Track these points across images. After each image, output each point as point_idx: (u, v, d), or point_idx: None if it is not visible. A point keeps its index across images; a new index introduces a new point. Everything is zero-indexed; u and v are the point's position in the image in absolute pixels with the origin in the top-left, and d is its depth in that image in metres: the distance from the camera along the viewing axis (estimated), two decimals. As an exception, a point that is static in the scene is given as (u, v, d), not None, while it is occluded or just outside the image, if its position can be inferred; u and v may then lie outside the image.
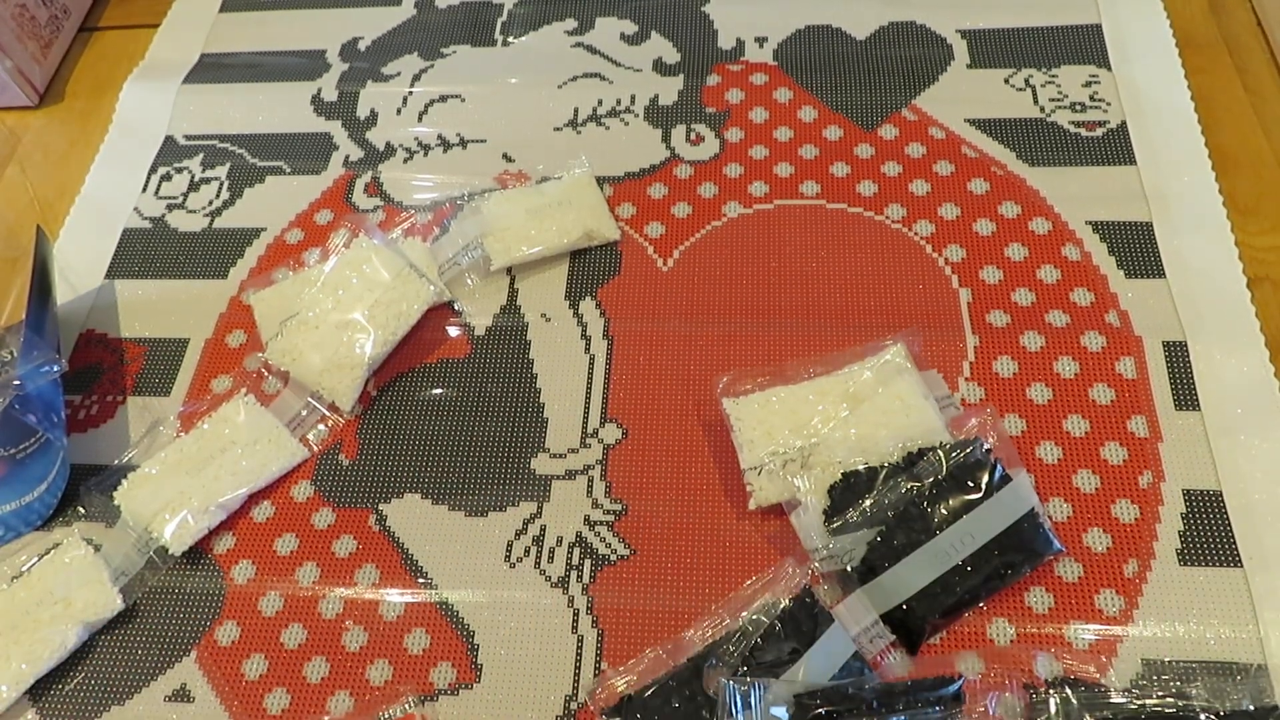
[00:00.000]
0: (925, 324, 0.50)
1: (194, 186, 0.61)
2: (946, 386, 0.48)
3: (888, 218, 0.54)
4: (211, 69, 0.67)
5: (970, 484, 0.42)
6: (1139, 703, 0.38)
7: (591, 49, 0.64)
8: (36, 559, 0.47)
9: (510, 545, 0.46)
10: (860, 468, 0.43)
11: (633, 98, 0.61)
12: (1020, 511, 0.41)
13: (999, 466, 0.42)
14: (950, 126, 0.57)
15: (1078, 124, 0.56)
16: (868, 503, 0.42)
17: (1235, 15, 0.61)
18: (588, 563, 0.45)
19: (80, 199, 0.61)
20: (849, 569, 0.41)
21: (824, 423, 0.45)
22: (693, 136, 0.59)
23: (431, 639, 0.44)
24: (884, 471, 0.43)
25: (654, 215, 0.56)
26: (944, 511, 0.41)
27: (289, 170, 0.61)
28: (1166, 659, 0.40)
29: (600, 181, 0.57)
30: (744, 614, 0.41)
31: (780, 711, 0.37)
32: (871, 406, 0.45)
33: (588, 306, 0.53)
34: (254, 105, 0.64)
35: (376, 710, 0.42)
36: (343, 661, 0.44)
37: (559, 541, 0.46)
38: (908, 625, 0.41)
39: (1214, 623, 0.41)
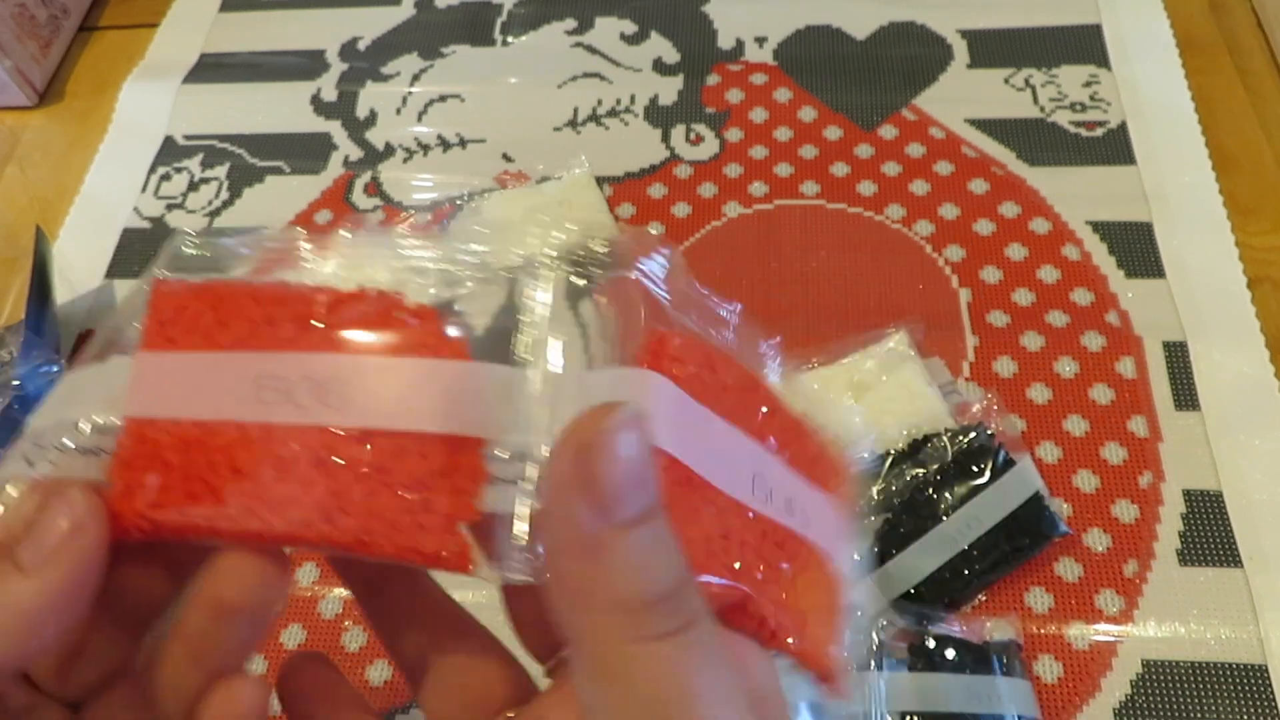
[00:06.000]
0: (925, 324, 0.50)
1: (193, 186, 0.61)
2: (949, 373, 0.48)
3: (888, 218, 0.54)
4: (211, 69, 0.67)
5: (975, 469, 0.42)
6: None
7: (591, 49, 0.64)
8: (36, 559, 0.47)
9: (510, 545, 0.46)
10: (866, 455, 0.44)
11: (632, 98, 0.61)
12: (1025, 495, 0.42)
13: (1003, 451, 0.42)
14: (950, 126, 0.57)
15: (1078, 124, 0.56)
16: (874, 490, 0.42)
17: (1235, 15, 0.61)
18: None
19: (80, 199, 0.61)
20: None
21: (830, 411, 0.45)
22: (692, 136, 0.59)
23: (431, 639, 0.44)
24: (890, 459, 0.43)
25: (654, 215, 0.56)
26: (950, 497, 0.42)
27: (288, 170, 0.61)
28: (1167, 659, 0.40)
29: (600, 181, 0.57)
30: None
31: None
32: (876, 395, 0.45)
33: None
34: (253, 105, 0.64)
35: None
36: (342, 661, 0.44)
37: (558, 541, 0.46)
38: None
39: (1214, 623, 0.41)
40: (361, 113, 0.63)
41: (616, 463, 0.15)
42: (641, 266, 0.23)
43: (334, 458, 0.20)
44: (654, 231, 0.22)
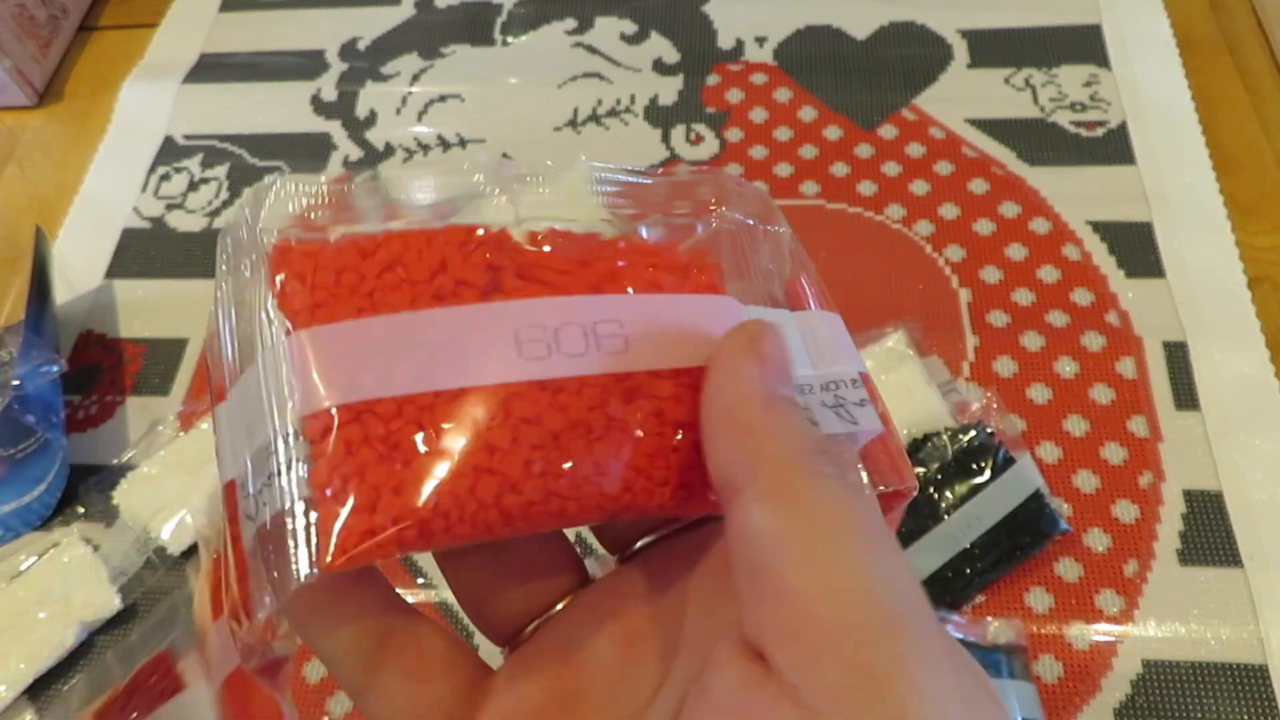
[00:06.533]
0: (926, 324, 0.50)
1: (193, 186, 0.61)
2: (948, 372, 0.48)
3: (888, 218, 0.54)
4: (211, 69, 0.67)
5: (976, 467, 0.42)
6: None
7: (591, 49, 0.64)
8: (35, 558, 0.47)
9: (510, 545, 0.46)
10: None
11: (632, 97, 0.61)
12: (1026, 493, 0.42)
13: (1003, 449, 0.42)
14: (950, 126, 0.57)
15: (1078, 124, 0.56)
16: None
17: (1235, 15, 0.61)
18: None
19: (79, 199, 0.61)
20: None
21: (830, 412, 0.45)
22: (692, 136, 0.59)
23: (431, 639, 0.44)
24: None
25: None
26: (950, 496, 0.42)
27: (288, 170, 0.61)
28: (1167, 659, 0.40)
29: (600, 181, 0.57)
30: None
31: None
32: (876, 394, 0.45)
33: (587, 306, 0.53)
34: (253, 105, 0.64)
35: None
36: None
37: (558, 541, 0.46)
38: None
39: (1214, 623, 0.41)
40: (361, 113, 0.63)
41: (777, 351, 0.18)
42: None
43: (634, 408, 0.17)
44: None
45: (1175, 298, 0.49)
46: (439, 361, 0.17)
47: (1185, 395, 0.47)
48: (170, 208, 0.60)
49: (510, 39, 0.65)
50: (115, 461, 0.50)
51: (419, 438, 0.16)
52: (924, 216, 0.54)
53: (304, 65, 0.66)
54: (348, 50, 0.66)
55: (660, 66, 0.63)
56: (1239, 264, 0.50)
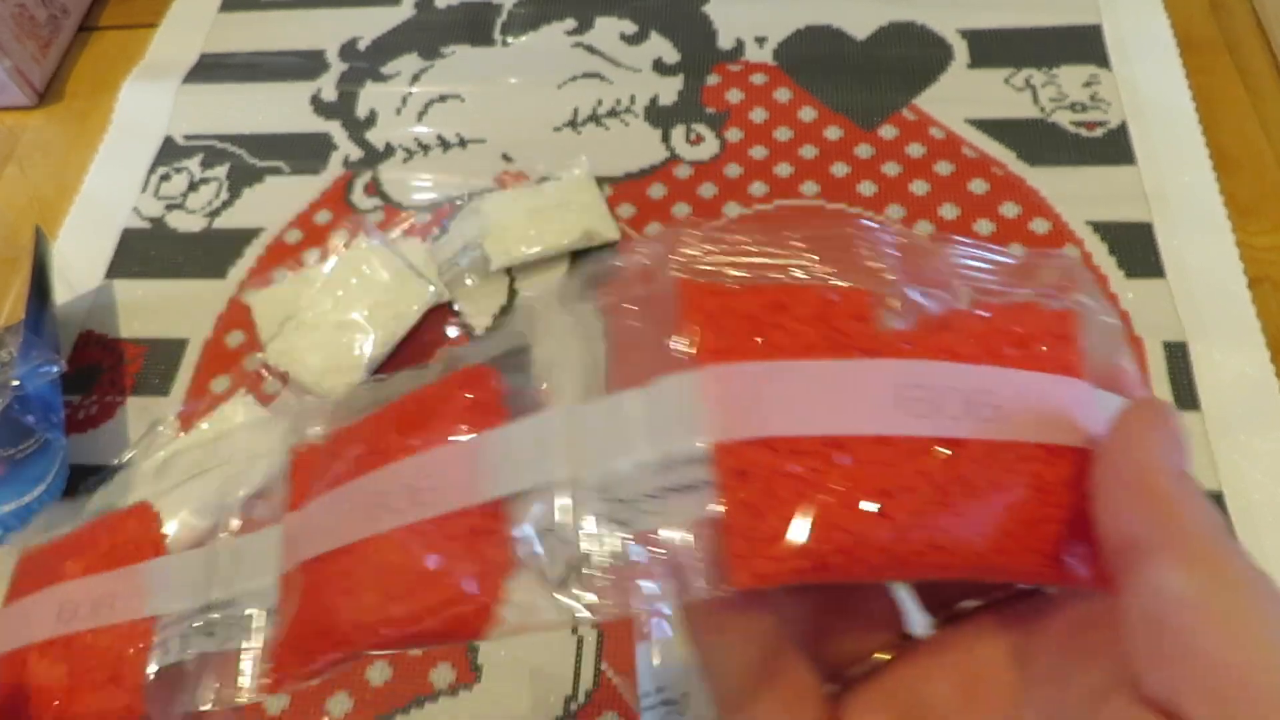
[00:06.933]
0: (925, 324, 0.50)
1: (193, 186, 0.61)
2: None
3: (888, 218, 0.54)
4: (211, 69, 0.67)
5: None
6: None
7: (591, 49, 0.64)
8: (35, 559, 0.47)
9: (510, 545, 0.46)
10: None
11: (632, 98, 0.61)
12: None
13: None
14: (950, 126, 0.57)
15: (1078, 124, 0.56)
16: None
17: (1235, 15, 0.61)
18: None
19: (79, 199, 0.61)
20: None
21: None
22: (692, 137, 0.59)
23: (431, 639, 0.44)
24: None
25: (654, 215, 0.56)
26: None
27: (288, 170, 0.61)
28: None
29: (600, 182, 0.57)
30: None
31: None
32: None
33: (587, 306, 0.53)
34: (253, 105, 0.64)
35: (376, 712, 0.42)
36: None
37: (558, 542, 0.46)
38: None
39: (1214, 623, 0.41)
40: (361, 113, 0.63)
41: (1182, 431, 0.20)
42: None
43: (1013, 475, 0.19)
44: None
45: (1175, 298, 0.49)
46: (835, 408, 0.18)
47: (1185, 395, 0.47)
48: (170, 208, 0.60)
49: (510, 39, 0.65)
50: (115, 461, 0.50)
51: (823, 477, 0.18)
52: (924, 216, 0.54)
53: (304, 65, 0.66)
54: (348, 50, 0.66)
55: (660, 66, 0.63)
56: (1239, 264, 0.50)
